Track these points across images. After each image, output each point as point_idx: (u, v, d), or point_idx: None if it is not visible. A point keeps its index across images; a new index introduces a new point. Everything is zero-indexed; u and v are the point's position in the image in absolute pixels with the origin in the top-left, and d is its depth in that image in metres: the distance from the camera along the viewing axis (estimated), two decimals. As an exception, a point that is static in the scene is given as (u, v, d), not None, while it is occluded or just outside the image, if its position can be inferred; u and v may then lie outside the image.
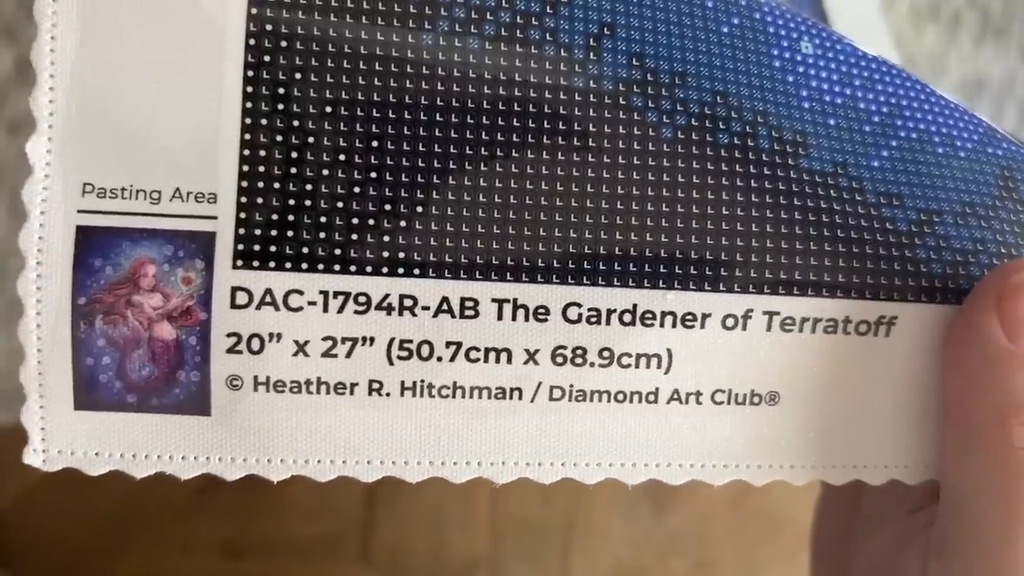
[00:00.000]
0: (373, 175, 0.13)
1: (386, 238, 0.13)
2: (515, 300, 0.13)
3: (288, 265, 0.13)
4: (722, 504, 0.30)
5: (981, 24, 0.32)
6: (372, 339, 0.13)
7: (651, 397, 0.14)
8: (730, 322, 0.14)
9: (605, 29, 0.14)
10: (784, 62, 0.14)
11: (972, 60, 0.32)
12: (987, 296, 0.14)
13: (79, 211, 0.13)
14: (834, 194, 0.14)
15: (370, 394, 0.13)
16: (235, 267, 0.13)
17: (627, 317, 0.13)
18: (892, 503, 0.17)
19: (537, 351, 0.13)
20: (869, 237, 0.14)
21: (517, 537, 0.29)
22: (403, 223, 0.13)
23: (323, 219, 0.13)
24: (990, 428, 0.13)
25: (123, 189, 0.13)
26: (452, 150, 0.13)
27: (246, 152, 0.13)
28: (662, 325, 0.13)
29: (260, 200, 0.13)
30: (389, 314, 0.13)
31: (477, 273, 0.13)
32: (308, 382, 0.13)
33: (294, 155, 0.13)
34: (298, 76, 0.13)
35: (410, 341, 0.13)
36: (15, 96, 0.29)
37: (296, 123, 0.13)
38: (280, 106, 0.13)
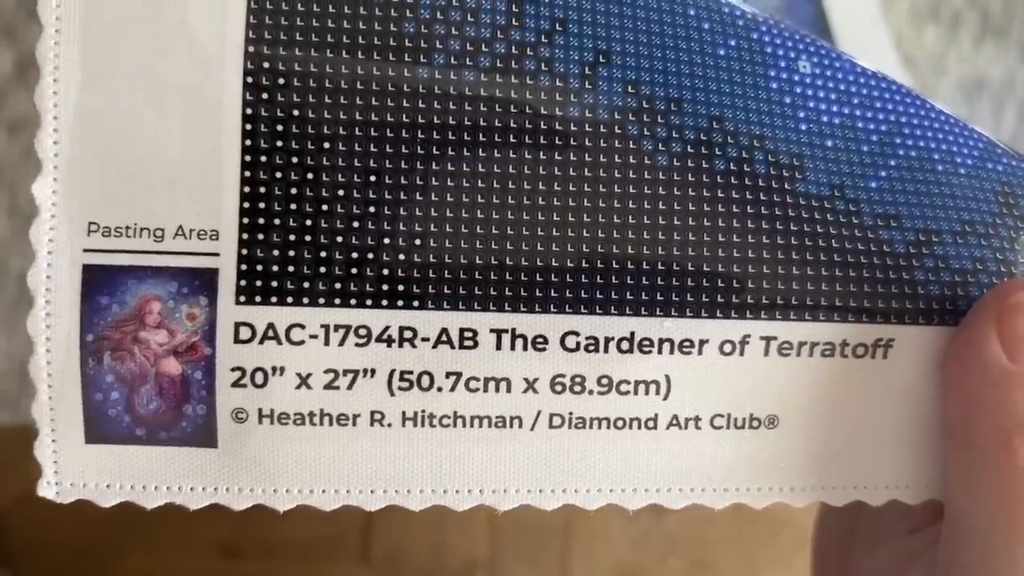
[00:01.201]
0: (372, 209, 0.13)
1: (385, 271, 0.13)
2: (513, 330, 0.13)
3: (290, 300, 0.13)
4: (721, 505, 0.30)
5: (981, 24, 0.32)
6: (373, 371, 0.13)
7: (650, 423, 0.14)
8: (728, 348, 0.14)
9: (600, 57, 0.14)
10: (781, 83, 0.14)
11: (972, 60, 0.32)
12: (986, 316, 0.14)
13: (85, 250, 0.13)
14: (831, 218, 0.14)
15: (372, 425, 0.13)
16: (238, 303, 0.13)
17: (625, 345, 0.14)
18: (892, 523, 0.17)
19: (536, 380, 0.14)
20: (866, 260, 0.14)
21: (516, 538, 0.29)
22: (401, 256, 0.13)
23: (323, 253, 0.13)
24: (994, 448, 0.13)
25: (127, 228, 0.13)
26: (449, 183, 0.13)
27: (247, 189, 0.13)
28: (660, 352, 0.14)
29: (261, 236, 0.13)
30: (389, 346, 0.13)
31: (475, 304, 0.13)
32: (311, 414, 0.13)
33: (294, 191, 0.13)
34: (296, 112, 0.13)
35: (410, 372, 0.13)
36: (15, 96, 0.30)
37: (295, 159, 0.13)
38: (279, 143, 0.13)
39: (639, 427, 0.14)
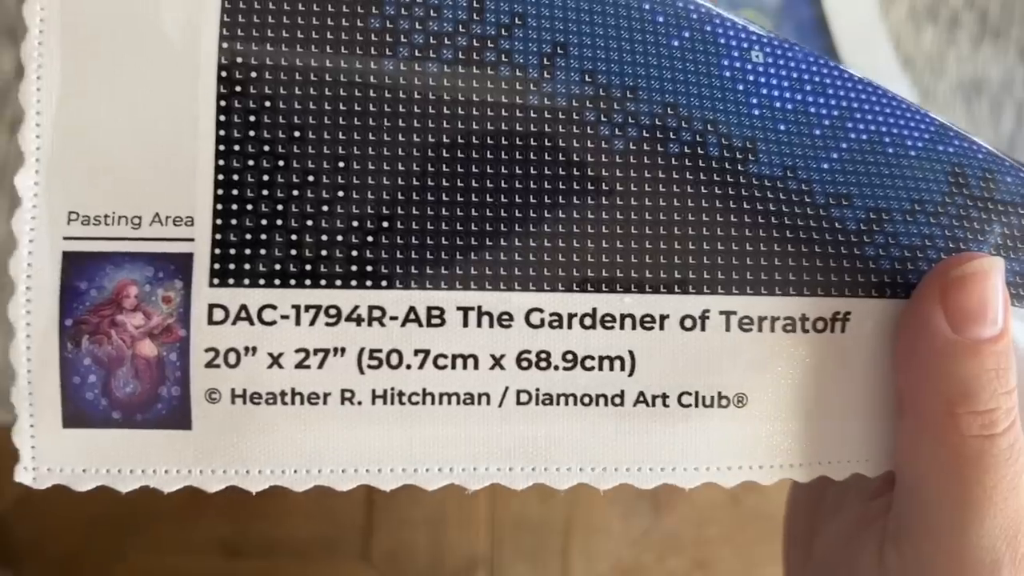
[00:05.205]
0: (340, 194, 0.14)
1: (354, 253, 0.14)
2: (479, 307, 0.14)
3: (262, 282, 0.14)
4: (720, 504, 0.30)
5: (979, 25, 0.32)
6: (343, 349, 0.14)
7: (617, 400, 0.14)
8: (688, 323, 0.14)
9: (558, 48, 0.14)
10: (735, 71, 0.15)
11: (970, 61, 0.32)
12: (931, 289, 0.14)
13: (65, 238, 0.13)
14: (783, 197, 0.15)
15: (342, 403, 0.14)
16: (211, 285, 0.13)
17: (587, 320, 0.14)
18: (854, 489, 0.17)
19: (503, 356, 0.14)
20: (818, 237, 0.14)
21: (516, 537, 0.29)
22: (369, 238, 0.14)
23: (294, 237, 0.14)
24: (940, 417, 0.14)
25: (106, 216, 0.14)
26: (414, 167, 0.14)
27: (221, 177, 0.14)
28: (622, 327, 0.14)
29: (235, 221, 0.14)
30: (359, 325, 0.14)
31: (442, 283, 0.14)
32: (283, 393, 0.14)
33: (266, 178, 0.14)
34: (268, 104, 0.14)
35: (379, 350, 0.14)
36: (17, 96, 0.30)
37: (267, 148, 0.14)
38: (251, 132, 0.14)
39: (606, 404, 0.14)
